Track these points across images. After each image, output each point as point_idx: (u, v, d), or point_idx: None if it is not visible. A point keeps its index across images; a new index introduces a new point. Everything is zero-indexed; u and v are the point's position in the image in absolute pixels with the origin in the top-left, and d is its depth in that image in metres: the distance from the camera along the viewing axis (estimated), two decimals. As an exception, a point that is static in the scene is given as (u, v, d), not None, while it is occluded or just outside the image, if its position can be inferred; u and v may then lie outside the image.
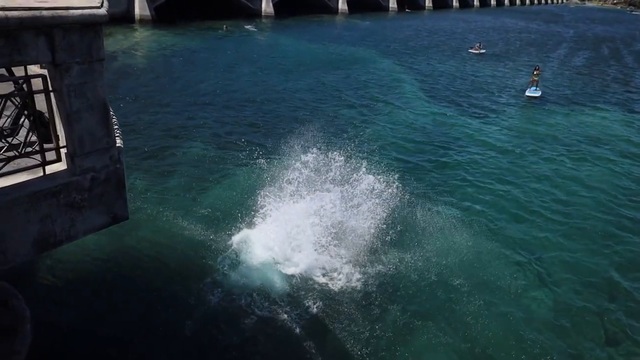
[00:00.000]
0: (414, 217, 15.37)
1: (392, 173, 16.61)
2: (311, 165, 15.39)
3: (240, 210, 15.20)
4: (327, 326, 11.25)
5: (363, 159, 17.23)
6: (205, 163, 19.53)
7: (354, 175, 14.97)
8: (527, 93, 34.26)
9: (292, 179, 14.92)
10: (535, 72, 34.59)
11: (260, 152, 19.91)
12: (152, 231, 14.28)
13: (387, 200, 14.60)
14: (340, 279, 12.63)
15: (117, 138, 5.59)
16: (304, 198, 14.27)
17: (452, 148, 23.17)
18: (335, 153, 15.70)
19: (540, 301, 12.71)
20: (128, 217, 5.69)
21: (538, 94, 34.06)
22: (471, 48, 53.97)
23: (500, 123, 27.75)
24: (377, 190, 14.48)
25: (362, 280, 12.65)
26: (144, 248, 13.51)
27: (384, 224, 14.07)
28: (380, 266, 13.22)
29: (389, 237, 14.04)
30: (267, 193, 15.04)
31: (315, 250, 13.17)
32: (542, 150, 23.74)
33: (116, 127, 5.89)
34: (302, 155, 15.98)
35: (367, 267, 13.10)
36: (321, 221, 13.49)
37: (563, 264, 14.38)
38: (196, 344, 10.60)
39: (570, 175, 20.84)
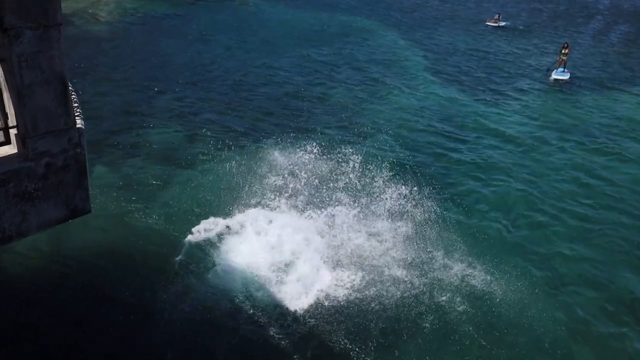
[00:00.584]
0: (413, 223, 15.55)
1: (389, 171, 17.04)
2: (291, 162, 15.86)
3: (216, 204, 15.40)
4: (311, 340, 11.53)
5: (356, 153, 17.67)
6: (173, 148, 19.69)
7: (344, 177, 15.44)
8: (554, 75, 34.66)
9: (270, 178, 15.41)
10: (563, 51, 34.92)
11: (236, 139, 20.08)
12: (112, 227, 14.45)
13: (382, 205, 15.08)
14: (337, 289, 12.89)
15: (77, 118, 5.67)
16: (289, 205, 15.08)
17: (463, 140, 23.46)
18: (323, 145, 16.07)
19: (559, 322, 12.97)
20: (90, 210, 5.77)
21: (566, 76, 34.45)
22: (488, 20, 54.30)
23: (521, 111, 28.11)
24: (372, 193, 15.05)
25: (356, 293, 12.87)
26: (104, 246, 13.66)
27: (376, 233, 14.55)
28: (375, 277, 13.45)
29: (382, 248, 14.33)
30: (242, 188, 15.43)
31: (304, 257, 13.43)
32: (569, 144, 24.06)
33: (76, 105, 5.96)
34: (283, 147, 16.38)
35: (366, 278, 13.33)
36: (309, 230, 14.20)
37: (587, 281, 14.57)
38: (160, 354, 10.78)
39: (602, 175, 21.10)
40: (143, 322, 11.62)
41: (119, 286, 12.43)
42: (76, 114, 5.64)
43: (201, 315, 11.89)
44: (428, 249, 14.63)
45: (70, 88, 5.47)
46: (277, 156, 17.37)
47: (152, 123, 21.46)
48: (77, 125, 5.55)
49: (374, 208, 15.61)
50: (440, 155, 21.60)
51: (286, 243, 13.82)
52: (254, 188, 16.07)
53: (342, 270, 13.46)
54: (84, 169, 5.62)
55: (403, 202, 15.81)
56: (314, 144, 17.83)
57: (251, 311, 12.05)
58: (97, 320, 11.53)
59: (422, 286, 13.28)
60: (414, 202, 16.09)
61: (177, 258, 13.38)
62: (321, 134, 21.27)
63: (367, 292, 12.87)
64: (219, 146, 19.63)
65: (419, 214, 15.75)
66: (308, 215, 14.98)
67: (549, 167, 21.45)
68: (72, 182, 5.57)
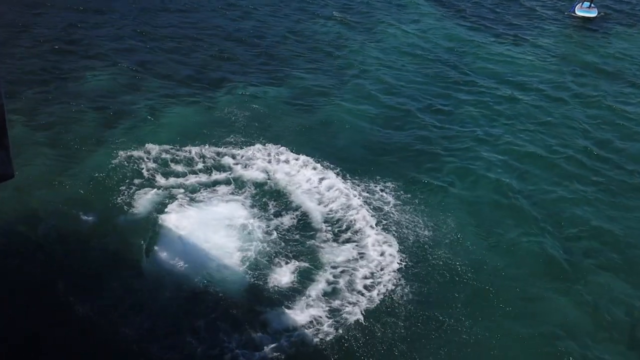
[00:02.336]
0: (400, 198, 15.88)
1: (377, 127, 17.19)
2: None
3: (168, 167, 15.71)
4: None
5: (333, 105, 17.71)
6: (109, 96, 19.42)
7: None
8: (578, 11, 34.43)
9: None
10: (590, -18, 34.65)
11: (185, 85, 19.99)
12: (44, 195, 14.38)
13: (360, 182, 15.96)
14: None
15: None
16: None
17: (467, 86, 23.30)
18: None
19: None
20: (13, 175, 5.66)
21: (593, 13, 34.23)
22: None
23: (538, 52, 28.00)
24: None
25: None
26: (34, 218, 13.60)
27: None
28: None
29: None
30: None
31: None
32: (594, 91, 24.00)
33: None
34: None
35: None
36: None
37: (603, 268, 14.73)
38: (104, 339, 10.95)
39: (633, 133, 21.00)
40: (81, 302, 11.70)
41: (52, 273, 12.41)
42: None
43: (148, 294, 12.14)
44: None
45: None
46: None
47: (84, 64, 21.07)
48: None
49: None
50: (436, 107, 21.44)
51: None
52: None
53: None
54: (3, 127, 5.47)
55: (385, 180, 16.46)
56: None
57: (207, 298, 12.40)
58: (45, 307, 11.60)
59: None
60: (401, 169, 16.79)
61: (126, 235, 13.58)
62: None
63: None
64: (164, 94, 19.70)
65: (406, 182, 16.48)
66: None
67: (567, 121, 21.31)
68: None
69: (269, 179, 15.89)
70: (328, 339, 11.68)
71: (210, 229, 13.83)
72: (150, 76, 20.93)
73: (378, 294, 12.79)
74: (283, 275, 13.01)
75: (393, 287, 13.01)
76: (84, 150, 16.31)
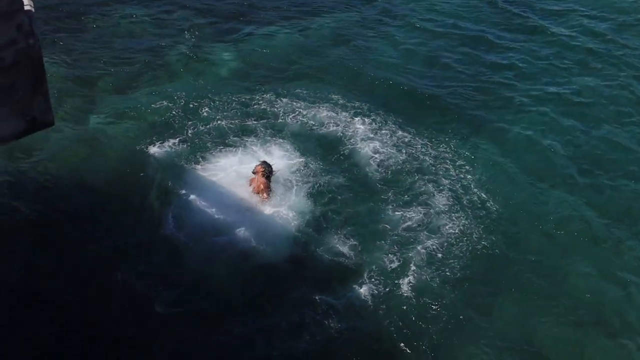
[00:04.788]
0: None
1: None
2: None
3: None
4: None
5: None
6: (159, 35, 18.91)
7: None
8: None
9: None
10: None
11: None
12: (82, 144, 13.95)
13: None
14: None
15: (24, -5, 5.10)
16: None
17: (504, 42, 21.84)
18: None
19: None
20: (53, 122, 5.41)
21: None
22: None
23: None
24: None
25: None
26: (74, 172, 13.19)
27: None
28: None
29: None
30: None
31: None
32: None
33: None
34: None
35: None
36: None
37: None
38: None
39: None
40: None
41: (92, 230, 11.90)
42: (22, -10, 5.06)
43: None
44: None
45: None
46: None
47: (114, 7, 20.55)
48: (26, 6, 4.99)
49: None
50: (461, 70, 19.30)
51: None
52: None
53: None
54: (40, 67, 5.17)
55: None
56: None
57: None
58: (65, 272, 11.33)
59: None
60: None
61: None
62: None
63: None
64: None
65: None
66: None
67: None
68: (26, 84, 5.14)
69: (314, 129, 15.04)
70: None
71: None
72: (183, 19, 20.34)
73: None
74: (337, 243, 12.03)
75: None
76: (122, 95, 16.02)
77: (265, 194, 12.50)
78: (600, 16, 22.64)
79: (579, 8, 23.19)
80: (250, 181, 12.83)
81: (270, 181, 12.70)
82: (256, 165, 12.82)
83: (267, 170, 12.65)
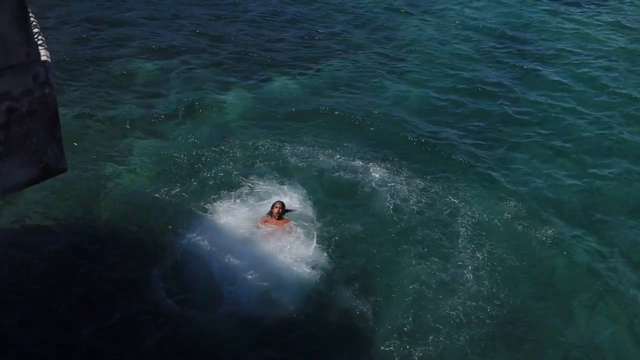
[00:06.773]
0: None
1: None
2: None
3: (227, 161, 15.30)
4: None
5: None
6: (158, 83, 19.23)
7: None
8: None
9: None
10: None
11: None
12: (89, 191, 14.20)
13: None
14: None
15: (40, 47, 5.22)
16: None
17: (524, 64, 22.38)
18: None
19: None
20: (66, 169, 5.43)
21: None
22: None
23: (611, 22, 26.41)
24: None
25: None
26: (86, 218, 13.47)
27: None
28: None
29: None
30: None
31: None
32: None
33: (37, 29, 5.51)
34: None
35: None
36: None
37: None
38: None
39: None
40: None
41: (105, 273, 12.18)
42: (39, 42, 5.19)
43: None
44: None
45: (27, 7, 4.99)
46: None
47: (128, 52, 21.06)
48: (42, 58, 5.10)
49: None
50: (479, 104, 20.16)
51: None
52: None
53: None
54: (55, 115, 5.21)
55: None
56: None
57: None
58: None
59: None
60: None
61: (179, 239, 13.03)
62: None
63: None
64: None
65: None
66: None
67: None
68: (41, 132, 5.16)
69: (326, 175, 15.13)
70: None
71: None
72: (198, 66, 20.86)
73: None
74: (350, 300, 11.73)
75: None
76: (133, 142, 16.25)
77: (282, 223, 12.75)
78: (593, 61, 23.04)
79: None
80: (263, 220, 12.88)
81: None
82: (274, 204, 12.90)
83: (283, 211, 12.81)
